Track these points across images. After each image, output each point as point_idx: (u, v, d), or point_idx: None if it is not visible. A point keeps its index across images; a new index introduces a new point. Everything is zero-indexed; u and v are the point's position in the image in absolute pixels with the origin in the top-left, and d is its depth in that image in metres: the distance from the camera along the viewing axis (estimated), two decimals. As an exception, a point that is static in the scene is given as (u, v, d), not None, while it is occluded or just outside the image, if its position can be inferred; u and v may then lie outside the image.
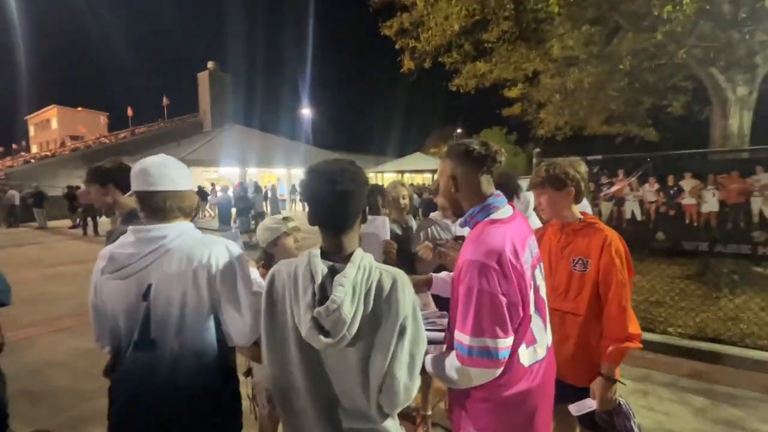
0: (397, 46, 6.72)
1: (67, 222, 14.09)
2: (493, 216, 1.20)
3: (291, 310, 0.97)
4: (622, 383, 1.61)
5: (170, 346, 1.15)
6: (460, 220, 1.29)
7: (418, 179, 23.49)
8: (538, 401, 1.20)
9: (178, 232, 1.22)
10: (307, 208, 1.07)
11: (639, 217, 4.10)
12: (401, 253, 2.20)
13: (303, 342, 0.95)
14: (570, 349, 1.65)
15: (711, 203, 3.67)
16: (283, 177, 26.03)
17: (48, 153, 32.38)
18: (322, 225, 1.02)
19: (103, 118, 55.14)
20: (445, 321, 1.50)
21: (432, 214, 2.61)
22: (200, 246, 1.22)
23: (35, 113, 56.41)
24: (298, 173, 27.16)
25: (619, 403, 1.59)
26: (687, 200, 3.78)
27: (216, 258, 1.21)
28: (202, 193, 15.63)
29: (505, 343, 1.09)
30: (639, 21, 5.22)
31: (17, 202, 14.81)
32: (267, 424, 1.94)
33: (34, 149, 48.36)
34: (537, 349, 1.20)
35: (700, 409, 2.82)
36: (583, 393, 1.61)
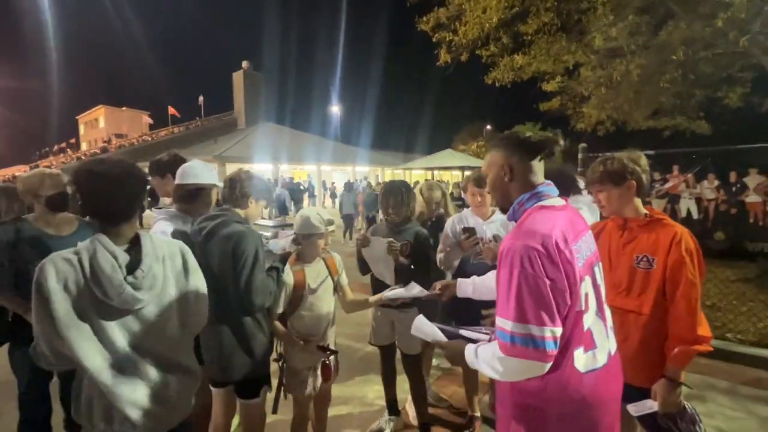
0: (434, 39, 6.67)
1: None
2: (543, 203, 1.13)
3: None
4: (688, 387, 1.53)
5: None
6: (506, 214, 1.22)
7: (446, 176, 23.23)
8: (599, 416, 1.08)
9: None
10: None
11: (696, 215, 3.88)
12: (418, 254, 2.22)
13: None
14: (631, 348, 1.58)
15: (778, 201, 3.41)
16: (313, 173, 26.49)
17: (96, 150, 34.54)
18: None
19: (145, 117, 58.09)
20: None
21: (464, 211, 2.50)
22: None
23: (85, 113, 60.25)
24: (327, 169, 27.54)
25: (684, 406, 1.51)
26: (751, 198, 3.53)
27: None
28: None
29: (553, 332, 0.98)
30: (695, 7, 4.89)
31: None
32: (304, 405, 2.01)
33: (83, 147, 51.70)
34: (597, 354, 1.09)
35: (766, 419, 2.64)
36: (643, 393, 1.55)
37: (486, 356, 1.09)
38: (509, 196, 1.20)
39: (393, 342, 2.36)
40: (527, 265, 1.00)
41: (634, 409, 1.57)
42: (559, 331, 1.01)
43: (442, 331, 1.34)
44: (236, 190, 1.82)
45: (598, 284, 1.15)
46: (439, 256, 2.43)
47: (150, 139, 33.78)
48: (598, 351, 1.10)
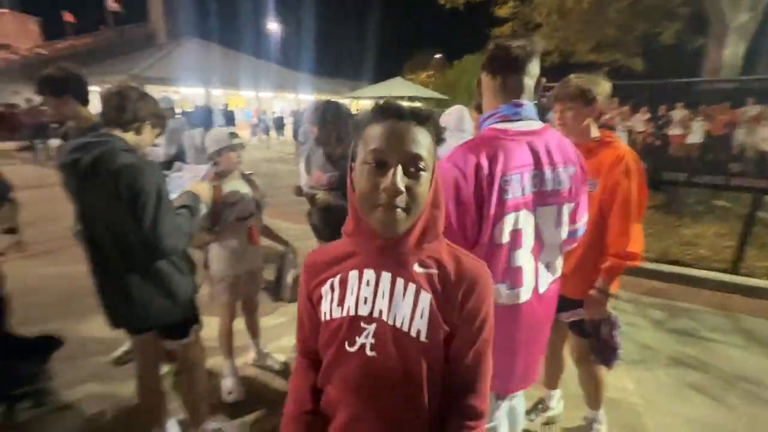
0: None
1: (10, 144, 12.77)
2: (496, 125, 1.09)
3: None
4: (615, 297, 1.69)
5: None
6: None
7: (396, 107, 22.55)
8: (518, 336, 1.12)
9: None
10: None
11: (625, 146, 4.13)
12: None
13: None
14: (570, 265, 1.67)
15: (697, 134, 3.71)
16: (251, 100, 24.25)
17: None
18: None
19: (32, 24, 47.51)
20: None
21: None
22: None
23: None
24: (268, 96, 25.37)
25: (610, 315, 1.68)
26: (674, 131, 3.80)
27: None
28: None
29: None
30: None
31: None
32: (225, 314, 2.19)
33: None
34: (521, 293, 1.09)
35: (658, 321, 3.13)
36: (578, 305, 1.69)
37: None
38: (482, 114, 1.17)
39: None
40: (450, 189, 1.01)
41: (566, 316, 1.73)
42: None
43: None
44: (127, 110, 1.44)
45: (543, 226, 1.11)
46: None
47: (45, 52, 28.02)
48: (524, 290, 1.10)
